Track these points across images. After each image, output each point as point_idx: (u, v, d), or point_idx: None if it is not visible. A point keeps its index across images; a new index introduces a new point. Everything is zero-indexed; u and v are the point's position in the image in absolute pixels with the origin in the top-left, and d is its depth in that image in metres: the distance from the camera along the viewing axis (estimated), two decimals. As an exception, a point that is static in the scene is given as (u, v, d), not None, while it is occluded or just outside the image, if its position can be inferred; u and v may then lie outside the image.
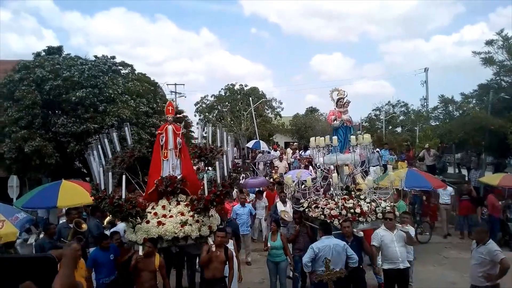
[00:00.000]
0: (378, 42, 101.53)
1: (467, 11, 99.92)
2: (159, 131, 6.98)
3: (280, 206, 9.77)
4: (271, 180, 13.74)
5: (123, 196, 5.98)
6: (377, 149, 18.09)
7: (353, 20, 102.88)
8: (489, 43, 15.29)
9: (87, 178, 13.84)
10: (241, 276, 6.82)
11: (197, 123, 33.23)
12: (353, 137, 7.84)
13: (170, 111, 7.18)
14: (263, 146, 22.62)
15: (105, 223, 8.61)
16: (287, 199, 9.86)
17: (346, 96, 8.35)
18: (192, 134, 19.83)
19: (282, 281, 7.30)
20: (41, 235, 7.96)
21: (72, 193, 9.07)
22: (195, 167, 9.99)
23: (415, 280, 7.47)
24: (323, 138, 8.15)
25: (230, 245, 6.78)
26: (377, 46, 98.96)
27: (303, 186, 8.26)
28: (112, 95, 13.14)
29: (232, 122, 31.93)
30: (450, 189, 12.20)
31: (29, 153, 11.78)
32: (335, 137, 7.84)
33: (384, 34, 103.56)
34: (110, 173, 6.11)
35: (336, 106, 8.31)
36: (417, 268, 7.86)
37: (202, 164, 12.36)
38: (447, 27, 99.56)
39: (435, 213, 12.31)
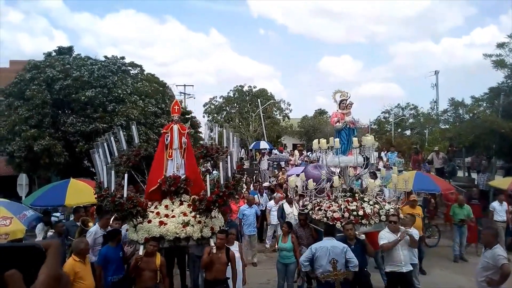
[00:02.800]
0: (387, 43, 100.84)
1: (478, 13, 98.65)
2: (164, 130, 6.94)
3: (286, 207, 9.71)
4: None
5: (125, 195, 5.92)
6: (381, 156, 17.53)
7: (362, 22, 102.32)
8: (501, 45, 15.13)
9: (95, 177, 13.94)
10: (245, 279, 6.70)
11: (205, 124, 33.37)
12: (355, 139, 7.70)
13: (176, 110, 7.11)
14: (263, 145, 22.62)
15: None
16: (293, 200, 9.83)
17: (349, 97, 8.24)
18: (200, 134, 19.89)
19: (289, 283, 7.23)
20: (49, 233, 8.01)
21: (80, 192, 9.16)
22: (203, 169, 9.95)
23: (422, 282, 7.39)
24: (325, 140, 7.99)
25: (235, 246, 6.66)
26: (386, 48, 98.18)
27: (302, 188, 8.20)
28: (121, 95, 13.27)
29: (240, 124, 31.97)
30: (506, 204, 10.67)
31: (38, 151, 11.93)
32: (337, 139, 7.72)
33: (393, 35, 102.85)
34: (112, 171, 6.05)
35: (339, 108, 8.20)
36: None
37: (209, 165, 12.41)
38: (457, 29, 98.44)
39: (475, 234, 10.30)
